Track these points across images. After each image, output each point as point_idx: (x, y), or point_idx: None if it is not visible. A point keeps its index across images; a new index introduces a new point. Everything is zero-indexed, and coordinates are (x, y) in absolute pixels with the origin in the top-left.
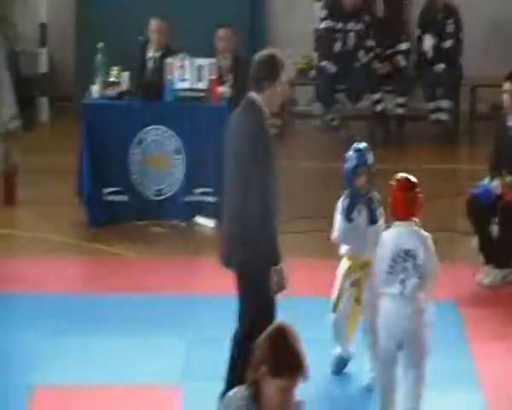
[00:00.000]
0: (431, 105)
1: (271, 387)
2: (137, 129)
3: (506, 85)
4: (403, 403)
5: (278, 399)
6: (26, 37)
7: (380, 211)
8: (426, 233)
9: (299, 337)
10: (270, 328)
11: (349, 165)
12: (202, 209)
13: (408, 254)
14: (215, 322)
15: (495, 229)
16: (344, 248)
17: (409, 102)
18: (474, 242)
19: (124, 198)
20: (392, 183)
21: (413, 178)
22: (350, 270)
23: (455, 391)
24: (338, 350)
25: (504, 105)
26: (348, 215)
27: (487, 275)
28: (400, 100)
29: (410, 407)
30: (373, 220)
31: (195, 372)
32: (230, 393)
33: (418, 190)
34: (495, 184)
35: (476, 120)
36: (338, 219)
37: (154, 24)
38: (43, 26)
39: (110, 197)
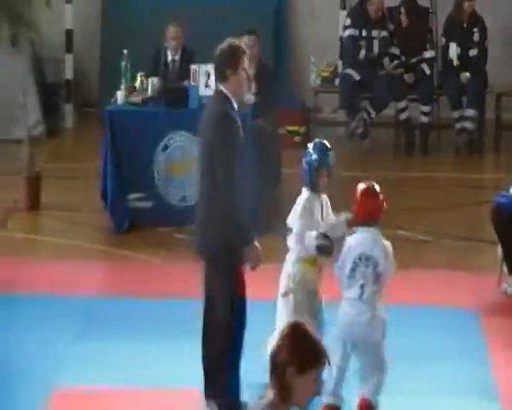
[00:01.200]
0: (456, 114)
1: (303, 382)
2: (162, 135)
3: None
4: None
5: (311, 390)
6: (52, 43)
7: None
8: (387, 241)
9: (312, 328)
10: (285, 329)
11: (311, 164)
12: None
13: (369, 261)
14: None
15: None
16: (300, 247)
17: (433, 111)
18: (500, 250)
19: (148, 204)
20: (356, 189)
21: (376, 185)
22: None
23: (471, 400)
24: None
25: None
26: (318, 248)
27: (511, 284)
28: (425, 108)
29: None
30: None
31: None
32: (254, 402)
33: (381, 197)
34: None
35: (501, 129)
36: (299, 217)
37: (171, 30)
38: (68, 33)
39: (134, 203)
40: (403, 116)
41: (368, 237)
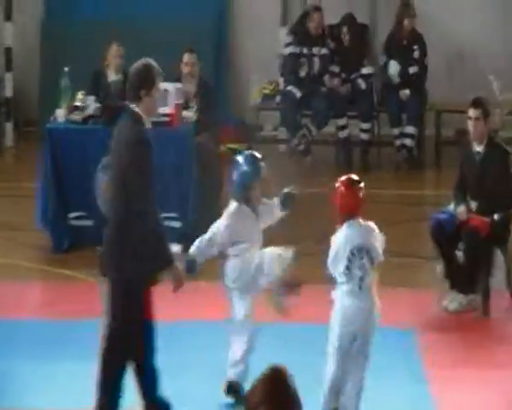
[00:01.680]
0: (396, 130)
1: None
2: (102, 153)
3: (470, 112)
4: (348, 390)
5: None
6: None
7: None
8: (372, 223)
9: (294, 380)
10: (267, 371)
11: (242, 177)
12: (167, 234)
13: (361, 252)
14: (169, 348)
15: (460, 254)
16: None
17: (374, 128)
18: (439, 267)
19: (88, 223)
20: (339, 184)
21: (356, 177)
22: None
23: None
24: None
25: (469, 131)
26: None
27: (452, 301)
28: (365, 125)
29: (355, 394)
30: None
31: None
32: None
33: (362, 187)
34: (460, 210)
35: (441, 146)
36: (222, 224)
37: (113, 49)
38: (8, 51)
39: (75, 222)
40: (343, 134)
41: (354, 228)
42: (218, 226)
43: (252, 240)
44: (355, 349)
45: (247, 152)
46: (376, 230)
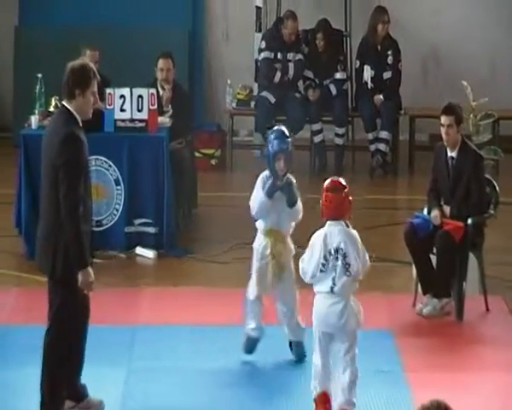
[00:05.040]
0: (370, 135)
1: None
2: None
3: (443, 119)
4: (338, 396)
5: None
6: None
7: (298, 194)
8: (354, 231)
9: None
10: (427, 405)
11: (270, 150)
12: (142, 240)
13: (338, 253)
14: (156, 352)
15: (433, 259)
16: (261, 224)
17: (348, 133)
18: (414, 271)
19: None
20: (324, 185)
21: (343, 181)
22: (268, 245)
23: None
24: (250, 329)
25: (442, 137)
26: (269, 193)
27: (426, 305)
28: (339, 130)
29: (346, 400)
30: (291, 203)
31: (133, 404)
32: None
33: (347, 191)
34: (433, 215)
35: (415, 151)
36: (258, 195)
37: (87, 54)
38: None
39: None
40: (317, 139)
41: (334, 230)
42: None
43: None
44: (336, 349)
45: (276, 127)
46: (359, 243)
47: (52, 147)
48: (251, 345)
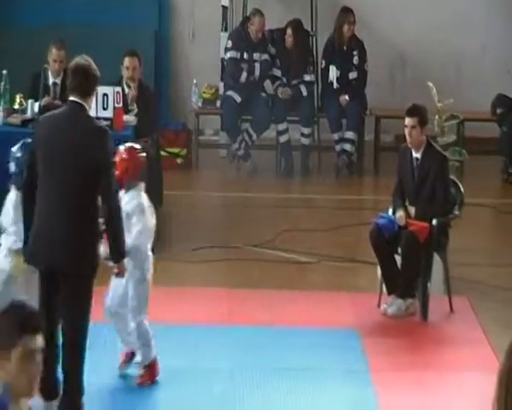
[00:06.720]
0: (336, 136)
1: None
2: None
3: (406, 121)
4: None
5: None
6: None
7: None
8: (144, 198)
9: None
10: None
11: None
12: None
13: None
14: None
15: (398, 259)
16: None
17: (314, 133)
18: (379, 271)
19: None
20: (123, 154)
21: (137, 146)
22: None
23: None
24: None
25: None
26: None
27: (391, 305)
28: (305, 130)
29: None
30: None
31: None
32: None
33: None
34: (398, 215)
35: (380, 151)
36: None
37: (53, 53)
38: None
39: None
40: (283, 138)
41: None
42: None
43: None
44: None
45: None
46: (146, 206)
47: (84, 142)
48: None
